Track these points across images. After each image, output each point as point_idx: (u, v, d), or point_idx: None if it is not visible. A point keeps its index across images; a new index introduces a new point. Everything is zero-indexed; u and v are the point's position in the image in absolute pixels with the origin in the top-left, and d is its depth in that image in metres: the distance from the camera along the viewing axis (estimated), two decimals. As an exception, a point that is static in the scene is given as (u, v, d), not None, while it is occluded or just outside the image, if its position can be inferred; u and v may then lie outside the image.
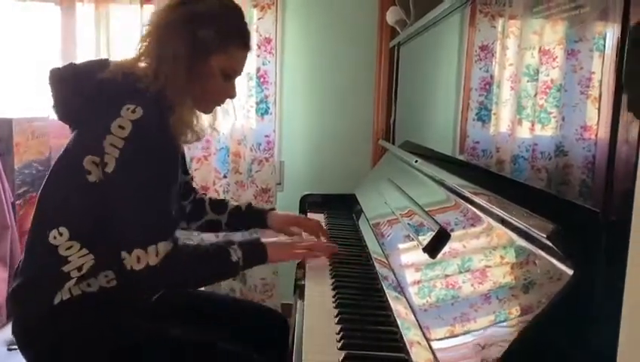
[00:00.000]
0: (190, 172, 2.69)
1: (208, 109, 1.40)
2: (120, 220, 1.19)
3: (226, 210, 1.63)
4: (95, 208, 1.22)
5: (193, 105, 1.33)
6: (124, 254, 1.17)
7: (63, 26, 2.70)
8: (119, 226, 1.19)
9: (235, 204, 1.66)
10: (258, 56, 2.71)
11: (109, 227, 1.20)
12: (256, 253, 1.34)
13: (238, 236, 1.75)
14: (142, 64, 1.29)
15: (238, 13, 1.35)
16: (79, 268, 1.21)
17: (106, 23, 2.65)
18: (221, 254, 1.29)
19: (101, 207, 1.21)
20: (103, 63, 1.30)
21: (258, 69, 2.72)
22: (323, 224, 1.87)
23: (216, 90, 1.34)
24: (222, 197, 2.76)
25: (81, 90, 1.27)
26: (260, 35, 2.70)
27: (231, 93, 1.38)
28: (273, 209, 1.71)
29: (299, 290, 1.31)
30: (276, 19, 2.73)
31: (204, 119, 1.42)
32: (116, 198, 1.19)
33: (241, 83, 2.68)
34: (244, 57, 1.36)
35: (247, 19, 1.38)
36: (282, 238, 1.53)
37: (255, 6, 2.68)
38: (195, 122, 1.35)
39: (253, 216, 1.65)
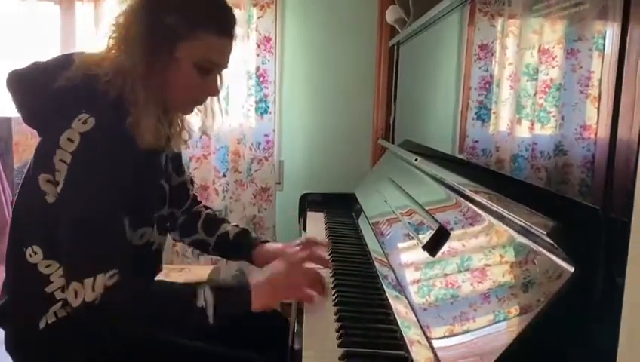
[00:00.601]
0: (189, 171, 2.73)
1: (186, 109, 1.24)
2: (63, 248, 1.06)
3: (216, 232, 1.47)
4: (58, 229, 1.08)
5: (166, 105, 1.17)
6: (66, 286, 1.05)
7: (63, 25, 2.70)
8: (62, 255, 1.07)
9: (227, 228, 1.48)
10: (257, 55, 2.71)
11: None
12: (234, 301, 1.12)
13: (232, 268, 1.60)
14: (111, 57, 1.14)
15: None
16: (62, 289, 1.11)
17: (106, 22, 2.65)
18: (182, 296, 1.09)
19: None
20: (69, 60, 1.14)
21: (257, 68, 2.72)
22: (322, 223, 1.88)
23: (190, 85, 1.15)
24: (221, 196, 2.76)
25: (40, 93, 1.14)
26: (260, 34, 2.70)
27: (211, 90, 1.20)
28: (266, 241, 1.49)
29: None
30: (276, 18, 2.73)
31: (193, 122, 1.31)
32: (61, 222, 1.06)
33: (240, 82, 2.69)
34: (223, 46, 1.16)
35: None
36: (276, 268, 1.20)
37: (255, 5, 2.68)
38: (178, 126, 1.25)
39: (237, 248, 1.47)
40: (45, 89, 1.11)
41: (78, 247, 1.04)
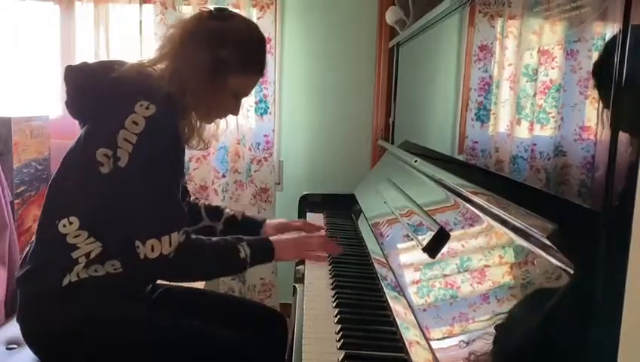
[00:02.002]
0: (190, 172, 2.74)
1: (210, 121, 1.46)
2: (133, 212, 1.23)
3: (222, 217, 1.66)
4: (105, 199, 1.26)
5: (197, 113, 1.39)
6: (137, 243, 1.20)
7: (62, 25, 2.70)
8: (133, 217, 1.23)
9: (231, 212, 1.69)
10: (257, 55, 2.70)
11: (118, 218, 1.24)
12: (263, 251, 1.37)
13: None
14: (159, 66, 1.33)
15: (262, 42, 1.41)
16: (87, 255, 1.25)
17: (105, 22, 2.65)
18: (230, 249, 1.33)
19: (112, 198, 1.24)
20: (119, 63, 1.33)
21: (257, 69, 2.71)
22: (322, 224, 1.88)
23: (224, 106, 1.40)
24: (220, 196, 2.76)
25: (95, 86, 1.31)
26: (259, 35, 2.70)
27: (235, 111, 1.44)
28: (265, 220, 1.73)
29: (299, 290, 1.31)
30: (275, 19, 2.73)
31: (208, 128, 1.48)
32: (129, 191, 1.23)
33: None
34: (256, 82, 1.44)
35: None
36: (291, 235, 1.54)
37: (254, 5, 2.68)
38: (202, 130, 1.44)
39: (248, 226, 1.66)
40: (100, 81, 1.29)
41: (152, 210, 1.23)
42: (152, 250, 1.20)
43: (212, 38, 1.31)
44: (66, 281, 1.24)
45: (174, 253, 1.22)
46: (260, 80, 1.46)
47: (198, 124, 1.44)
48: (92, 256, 1.25)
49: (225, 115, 1.45)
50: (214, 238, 1.36)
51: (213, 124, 1.49)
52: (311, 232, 1.66)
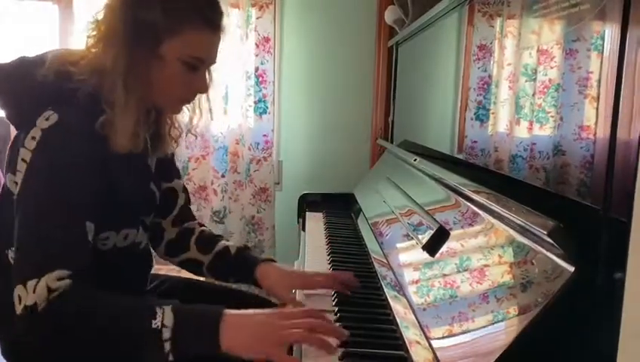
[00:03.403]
0: (189, 172, 2.73)
1: (174, 109, 1.17)
2: (16, 250, 0.96)
3: (213, 250, 1.31)
4: None
5: (150, 103, 1.11)
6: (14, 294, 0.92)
7: (61, 25, 2.70)
8: (15, 257, 0.96)
9: (226, 244, 1.32)
10: (256, 55, 2.71)
11: None
12: (199, 330, 0.89)
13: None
14: (90, 56, 1.07)
15: None
16: None
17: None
18: (138, 311, 0.91)
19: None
20: (46, 57, 1.08)
21: (256, 68, 2.72)
22: (322, 223, 1.88)
23: (177, 83, 1.08)
24: (220, 196, 2.76)
25: (19, 90, 1.08)
26: (259, 35, 2.70)
27: (199, 87, 1.12)
28: (272, 260, 1.30)
29: (297, 290, 1.31)
30: (274, 19, 2.73)
31: (181, 122, 1.25)
32: (16, 222, 0.97)
33: (239, 82, 2.69)
34: (210, 40, 1.09)
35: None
36: (265, 310, 0.97)
37: (253, 5, 2.69)
38: (144, 126, 1.10)
39: (239, 265, 1.29)
40: (23, 86, 1.06)
41: (25, 248, 0.94)
42: (19, 301, 0.89)
43: (130, 3, 1.02)
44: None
45: (42, 303, 0.88)
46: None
47: (170, 119, 1.21)
48: None
49: (190, 96, 1.14)
50: (135, 297, 1.04)
51: (188, 117, 1.22)
52: (337, 286, 1.21)
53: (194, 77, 1.09)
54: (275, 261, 1.30)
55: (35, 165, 0.97)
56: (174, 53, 1.05)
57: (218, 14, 1.10)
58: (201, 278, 1.40)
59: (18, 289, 0.90)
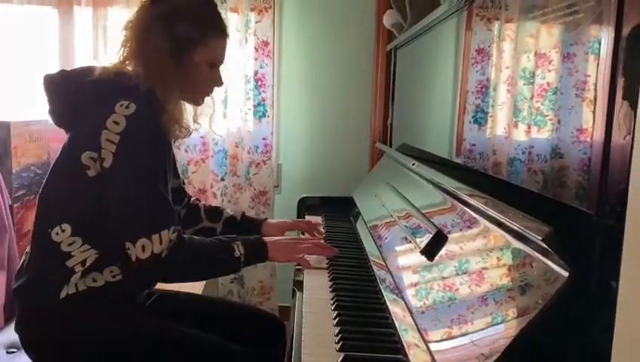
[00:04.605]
0: (189, 175, 2.74)
1: (198, 101, 1.44)
2: (121, 212, 1.21)
3: (221, 218, 1.65)
4: (95, 203, 1.23)
5: (182, 100, 1.38)
6: (128, 245, 1.19)
7: (61, 30, 2.71)
8: (121, 219, 1.21)
9: (230, 213, 1.68)
10: (256, 59, 2.72)
11: (109, 221, 1.22)
12: (256, 251, 1.36)
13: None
14: (128, 67, 1.32)
15: (211, 4, 1.39)
16: (83, 263, 1.23)
17: (104, 26, 2.65)
18: (225, 248, 1.32)
19: (101, 201, 1.23)
20: (92, 68, 1.32)
21: (256, 72, 2.72)
22: (321, 227, 1.88)
23: (204, 80, 1.38)
24: (219, 200, 2.76)
25: (75, 92, 1.30)
26: (258, 38, 2.71)
27: (217, 82, 1.41)
28: (266, 219, 1.74)
29: (298, 293, 1.32)
30: (273, 23, 2.74)
31: (188, 113, 1.46)
32: (116, 191, 1.21)
33: (238, 86, 2.70)
34: (224, 45, 1.40)
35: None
36: (286, 237, 1.54)
37: (253, 9, 2.69)
38: (184, 117, 1.40)
39: (248, 226, 1.66)
40: (79, 86, 1.29)
41: (141, 209, 1.21)
42: (143, 250, 1.18)
43: (161, 22, 1.29)
44: (63, 294, 1.22)
45: (167, 252, 1.20)
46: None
47: (184, 109, 1.42)
48: (87, 263, 1.23)
49: (211, 90, 1.43)
50: (209, 238, 1.35)
51: (190, 108, 1.46)
52: (311, 232, 1.68)
53: (214, 74, 1.40)
54: (267, 219, 1.74)
55: (128, 145, 1.19)
56: (204, 59, 1.35)
57: (225, 23, 1.40)
58: (199, 293, 1.77)
59: (142, 241, 1.18)
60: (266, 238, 1.41)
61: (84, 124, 1.26)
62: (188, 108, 1.45)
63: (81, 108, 1.29)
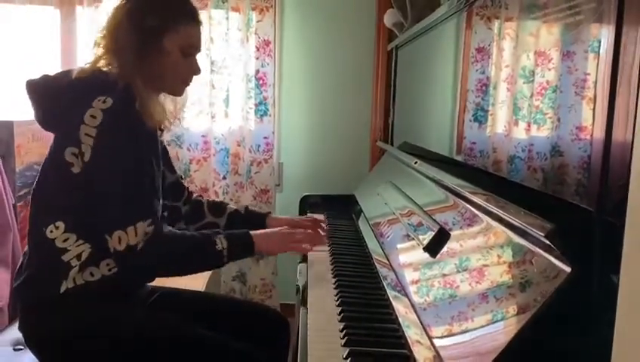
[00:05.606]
0: (191, 174, 2.75)
1: (177, 91, 1.44)
2: (100, 205, 1.23)
3: (225, 213, 1.65)
4: (82, 198, 1.26)
5: (161, 91, 1.40)
6: (106, 237, 1.21)
7: (63, 29, 2.72)
8: (100, 211, 1.24)
9: (234, 207, 1.68)
10: (257, 58, 2.72)
11: (95, 215, 1.25)
12: (242, 244, 1.34)
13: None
14: (104, 65, 1.33)
15: None
16: (78, 257, 1.26)
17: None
18: (206, 241, 1.31)
19: (87, 196, 1.25)
20: (70, 71, 1.34)
21: (257, 71, 2.73)
22: (324, 224, 1.89)
23: (178, 68, 1.37)
24: (221, 198, 2.77)
25: (56, 95, 1.32)
26: (259, 38, 2.72)
27: (195, 70, 1.41)
28: (269, 213, 1.74)
29: (301, 290, 1.33)
30: (275, 22, 2.75)
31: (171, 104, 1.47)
32: (95, 184, 1.23)
33: (240, 85, 2.71)
34: (197, 31, 1.40)
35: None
36: (278, 229, 1.50)
37: (254, 9, 2.70)
38: (162, 110, 1.39)
39: (251, 220, 1.65)
40: (59, 88, 1.31)
41: (116, 201, 1.22)
42: (119, 242, 1.20)
43: (131, 16, 1.31)
44: (62, 288, 1.24)
45: (143, 244, 1.21)
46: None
47: (162, 101, 1.43)
48: (83, 257, 1.26)
49: (188, 77, 1.42)
50: (191, 232, 1.36)
51: (171, 103, 1.47)
52: (315, 229, 1.65)
53: (190, 62, 1.39)
54: (270, 213, 1.74)
55: (105, 137, 1.21)
56: (175, 45, 1.34)
57: (197, 10, 1.40)
58: (202, 290, 1.72)
59: (117, 234, 1.20)
60: (255, 231, 1.38)
61: (65, 121, 1.28)
62: (170, 99, 1.47)
63: (62, 110, 1.31)
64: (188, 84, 1.44)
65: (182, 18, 1.36)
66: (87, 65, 1.33)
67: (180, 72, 1.38)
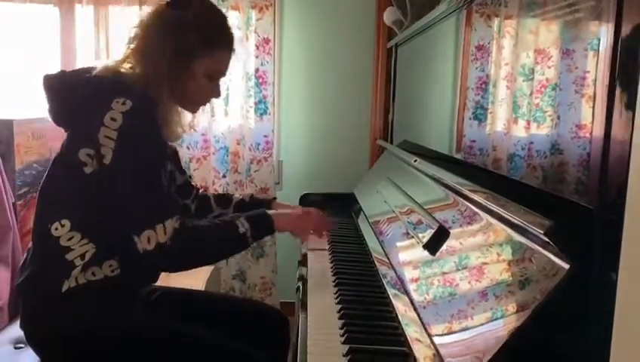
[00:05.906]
0: (190, 172, 2.75)
1: (194, 109, 1.46)
2: (125, 207, 1.23)
3: (231, 203, 1.68)
4: (92, 199, 1.26)
5: (178, 105, 1.40)
6: (135, 239, 1.21)
7: (63, 28, 2.72)
8: (125, 213, 1.23)
9: (239, 196, 1.71)
10: (257, 56, 2.73)
11: (107, 217, 1.24)
12: (262, 224, 1.37)
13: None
14: (128, 65, 1.34)
15: (222, 19, 1.40)
16: (82, 256, 1.26)
17: (105, 24, 2.66)
18: (229, 226, 1.33)
19: (98, 197, 1.25)
20: (91, 68, 1.34)
21: (257, 70, 2.73)
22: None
23: (201, 90, 1.39)
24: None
25: (73, 91, 1.32)
26: (259, 36, 2.72)
27: (215, 94, 1.43)
28: (275, 198, 1.76)
29: (301, 287, 1.33)
30: (274, 20, 2.75)
31: (185, 118, 1.48)
32: (118, 187, 1.23)
33: (239, 83, 2.71)
34: (228, 58, 1.42)
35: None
36: (291, 210, 1.57)
37: (253, 7, 2.70)
38: (177, 120, 1.42)
39: (257, 207, 1.63)
40: (77, 85, 1.31)
41: (142, 201, 1.23)
42: (149, 241, 1.20)
43: (172, 28, 1.31)
44: (65, 287, 1.24)
45: (171, 240, 1.21)
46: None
47: (179, 114, 1.44)
48: (87, 257, 1.25)
49: (207, 100, 1.45)
50: (212, 220, 1.37)
51: (189, 114, 1.49)
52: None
53: (212, 85, 1.41)
54: (276, 199, 1.80)
55: (127, 140, 1.21)
56: (203, 70, 1.35)
57: (234, 38, 1.42)
58: (202, 289, 1.72)
59: (147, 233, 1.20)
60: (270, 211, 1.41)
61: (82, 121, 1.28)
62: (185, 114, 1.47)
63: (78, 107, 1.30)
64: (204, 105, 1.47)
65: (220, 43, 1.38)
66: (112, 64, 1.34)
67: (202, 93, 1.40)
